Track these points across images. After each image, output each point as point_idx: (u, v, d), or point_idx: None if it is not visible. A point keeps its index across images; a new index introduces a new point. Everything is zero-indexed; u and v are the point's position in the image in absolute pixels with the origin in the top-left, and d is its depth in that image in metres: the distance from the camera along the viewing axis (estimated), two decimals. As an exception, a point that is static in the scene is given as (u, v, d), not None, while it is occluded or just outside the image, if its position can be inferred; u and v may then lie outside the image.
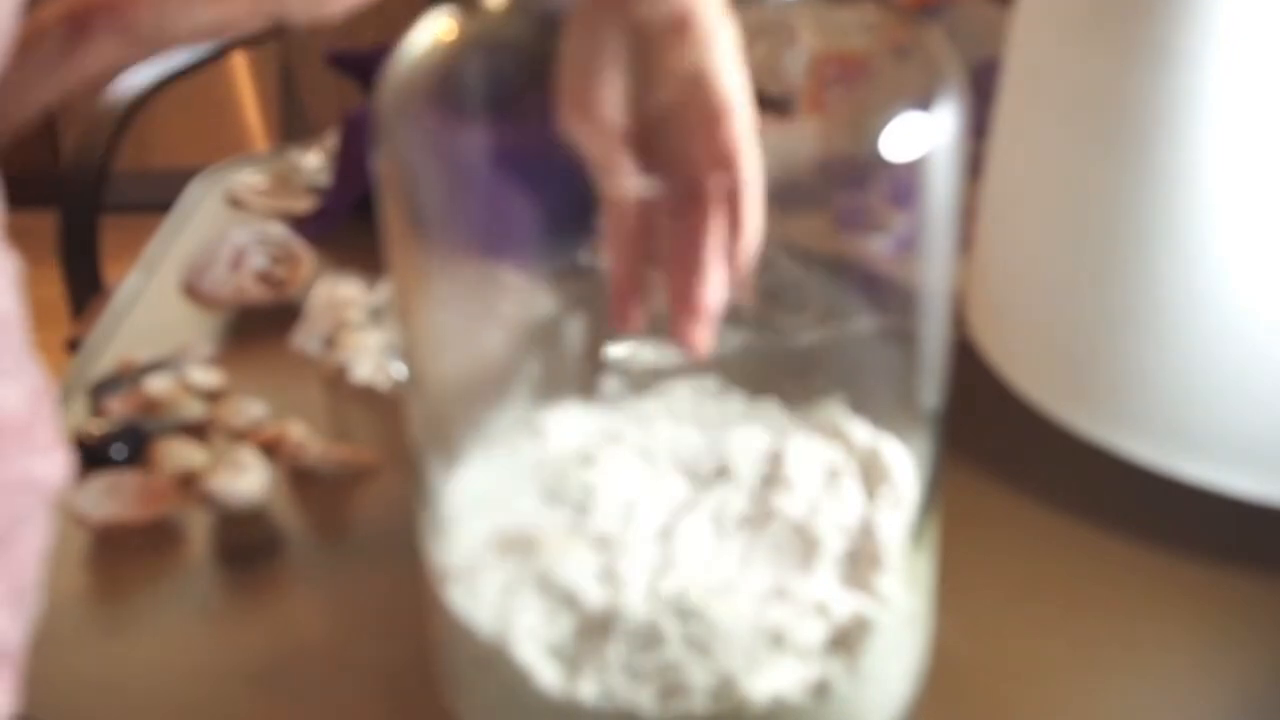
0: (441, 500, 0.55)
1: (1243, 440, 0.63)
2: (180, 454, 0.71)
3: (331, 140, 1.13)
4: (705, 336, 0.48)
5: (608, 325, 0.53)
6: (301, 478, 0.72)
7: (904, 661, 0.54)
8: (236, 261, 0.90)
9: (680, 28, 0.44)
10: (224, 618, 0.64)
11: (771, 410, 0.60)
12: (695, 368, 0.61)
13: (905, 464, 0.56)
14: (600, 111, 0.46)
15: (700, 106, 0.45)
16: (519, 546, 0.53)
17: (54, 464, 0.40)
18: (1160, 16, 0.60)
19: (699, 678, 0.49)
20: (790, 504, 0.54)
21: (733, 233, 0.47)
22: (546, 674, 0.49)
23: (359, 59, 1.09)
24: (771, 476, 0.56)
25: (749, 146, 0.46)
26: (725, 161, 0.46)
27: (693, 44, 0.45)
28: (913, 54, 0.55)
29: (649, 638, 0.49)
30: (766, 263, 0.49)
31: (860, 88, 0.53)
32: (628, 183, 0.46)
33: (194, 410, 0.77)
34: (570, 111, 0.47)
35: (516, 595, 0.51)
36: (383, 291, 0.87)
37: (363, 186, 0.98)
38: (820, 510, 0.54)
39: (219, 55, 1.78)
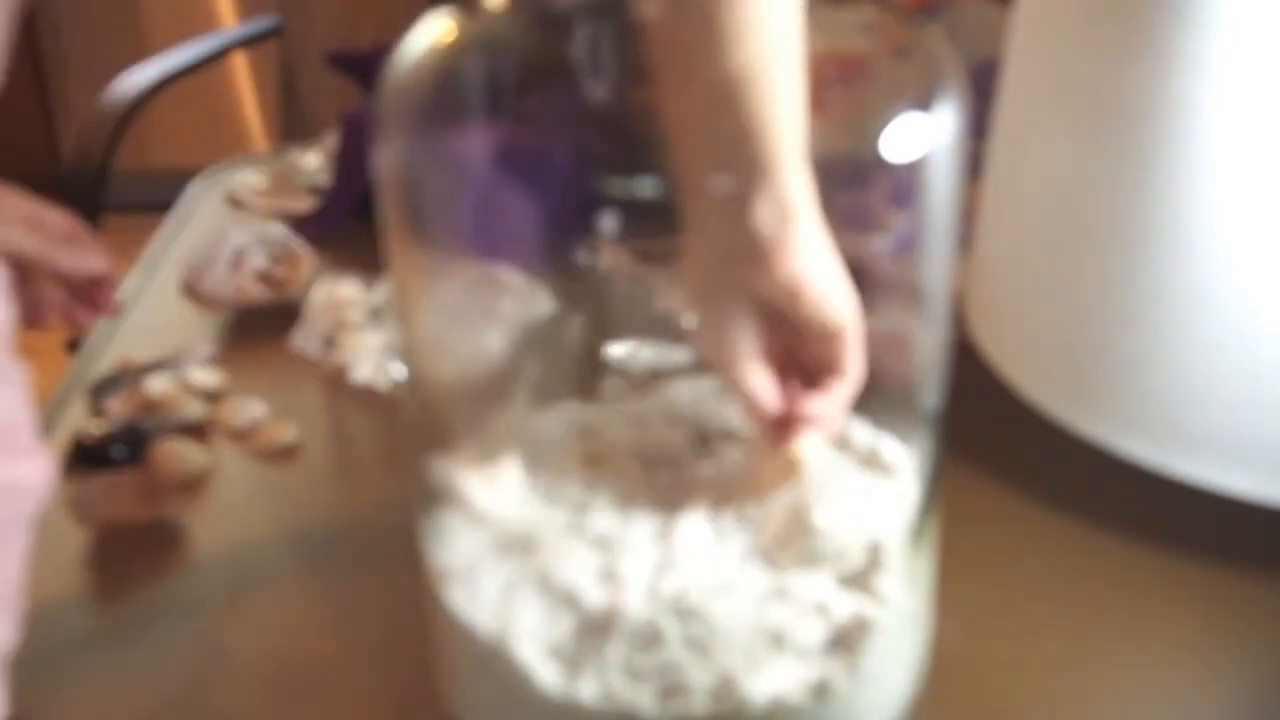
0: (442, 500, 0.55)
1: (1242, 440, 0.63)
2: (180, 454, 0.71)
3: (331, 140, 1.13)
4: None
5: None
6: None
7: (904, 661, 0.54)
8: (236, 261, 0.90)
9: (794, 296, 0.51)
10: (224, 617, 0.64)
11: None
12: (695, 368, 0.61)
13: (905, 464, 0.56)
14: (741, 365, 0.53)
15: (819, 330, 0.52)
16: (519, 546, 0.53)
17: (37, 468, 0.40)
18: (1160, 16, 0.60)
19: (699, 678, 0.48)
20: (789, 504, 0.54)
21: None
22: (546, 674, 0.49)
23: (359, 59, 1.09)
24: (771, 476, 0.56)
25: (856, 354, 0.54)
26: (839, 370, 0.53)
27: (810, 304, 0.51)
28: (913, 54, 0.55)
29: (649, 638, 0.49)
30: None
31: (860, 88, 0.53)
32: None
33: (194, 410, 0.77)
34: (720, 370, 0.54)
35: (516, 595, 0.51)
36: (383, 291, 0.87)
37: (363, 186, 0.98)
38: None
39: (219, 55, 1.78)
